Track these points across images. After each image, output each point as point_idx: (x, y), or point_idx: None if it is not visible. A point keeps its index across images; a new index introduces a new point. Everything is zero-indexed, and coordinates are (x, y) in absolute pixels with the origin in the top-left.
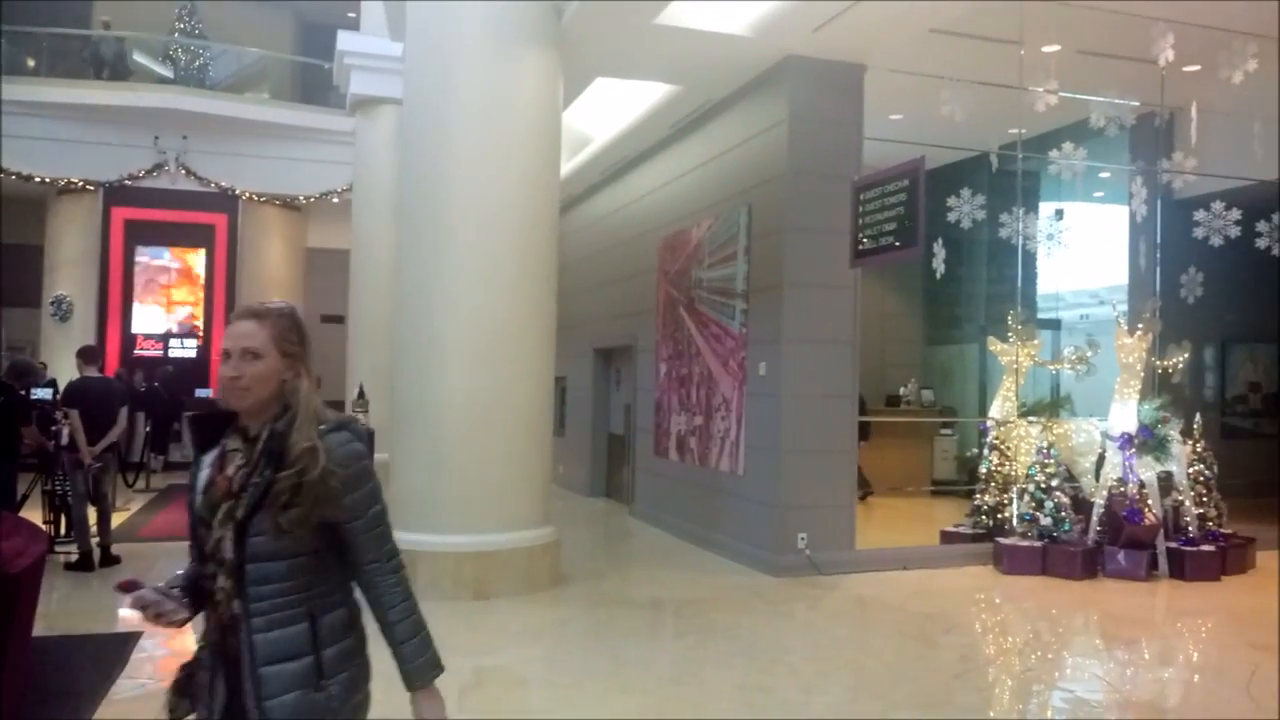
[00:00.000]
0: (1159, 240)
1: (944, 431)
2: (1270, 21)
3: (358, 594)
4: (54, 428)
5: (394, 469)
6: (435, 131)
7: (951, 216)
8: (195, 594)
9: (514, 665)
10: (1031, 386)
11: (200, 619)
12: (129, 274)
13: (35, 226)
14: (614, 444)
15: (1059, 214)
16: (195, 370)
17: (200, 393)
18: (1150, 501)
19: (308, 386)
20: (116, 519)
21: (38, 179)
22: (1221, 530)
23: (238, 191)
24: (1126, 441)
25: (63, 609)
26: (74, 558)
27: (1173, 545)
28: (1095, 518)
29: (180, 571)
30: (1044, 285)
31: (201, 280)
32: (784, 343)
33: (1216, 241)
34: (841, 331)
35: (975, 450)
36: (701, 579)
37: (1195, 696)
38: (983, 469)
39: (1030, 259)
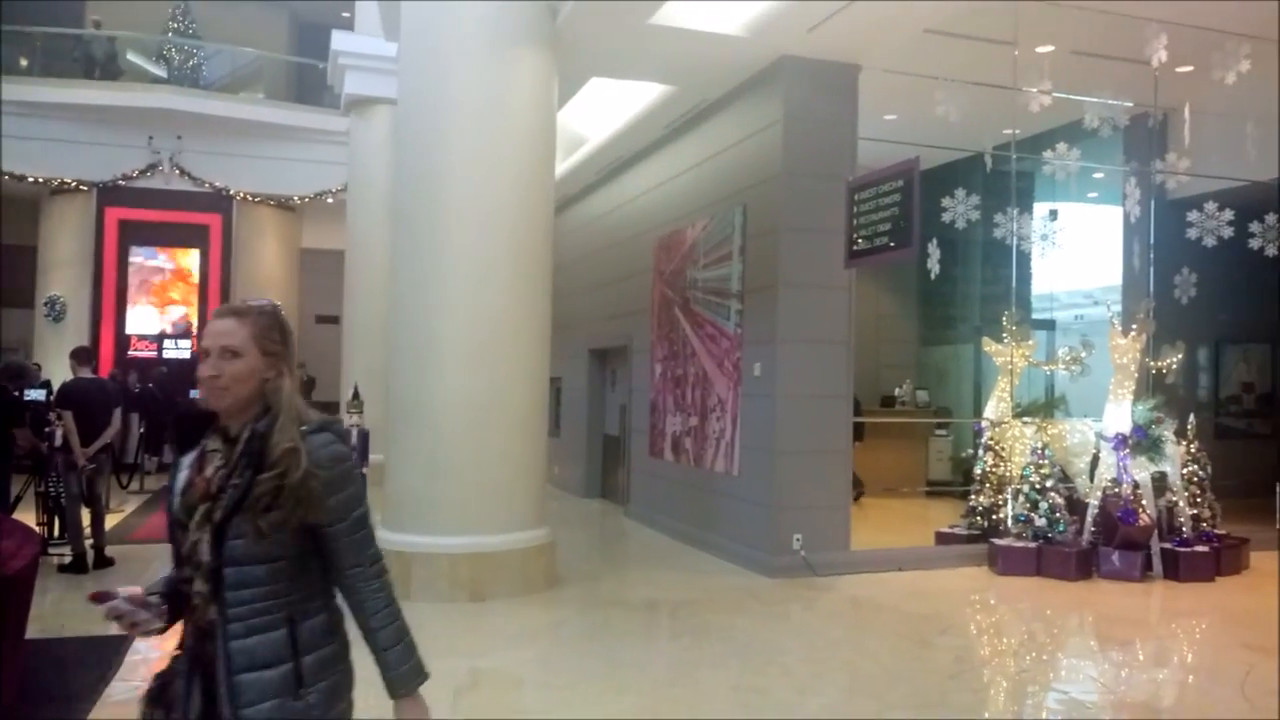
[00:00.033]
0: (1153, 241)
1: (939, 432)
2: (1263, 22)
3: (340, 599)
4: (47, 429)
5: (389, 470)
6: (430, 131)
7: (946, 217)
8: (175, 600)
9: (509, 667)
10: (1026, 387)
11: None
12: (123, 274)
13: (29, 227)
14: (609, 445)
15: (1053, 214)
16: (190, 371)
17: (195, 394)
18: (1145, 502)
19: (290, 386)
20: (110, 521)
21: (31, 179)
22: (1215, 531)
23: (232, 192)
24: (1121, 442)
25: (56, 611)
26: (68, 559)
27: (1167, 546)
28: (1090, 518)
29: (163, 576)
30: (1038, 286)
31: (196, 281)
32: (779, 343)
33: (1210, 242)
34: (836, 332)
35: (970, 451)
36: (697, 580)
37: (1190, 697)
38: (977, 470)
39: (1025, 259)
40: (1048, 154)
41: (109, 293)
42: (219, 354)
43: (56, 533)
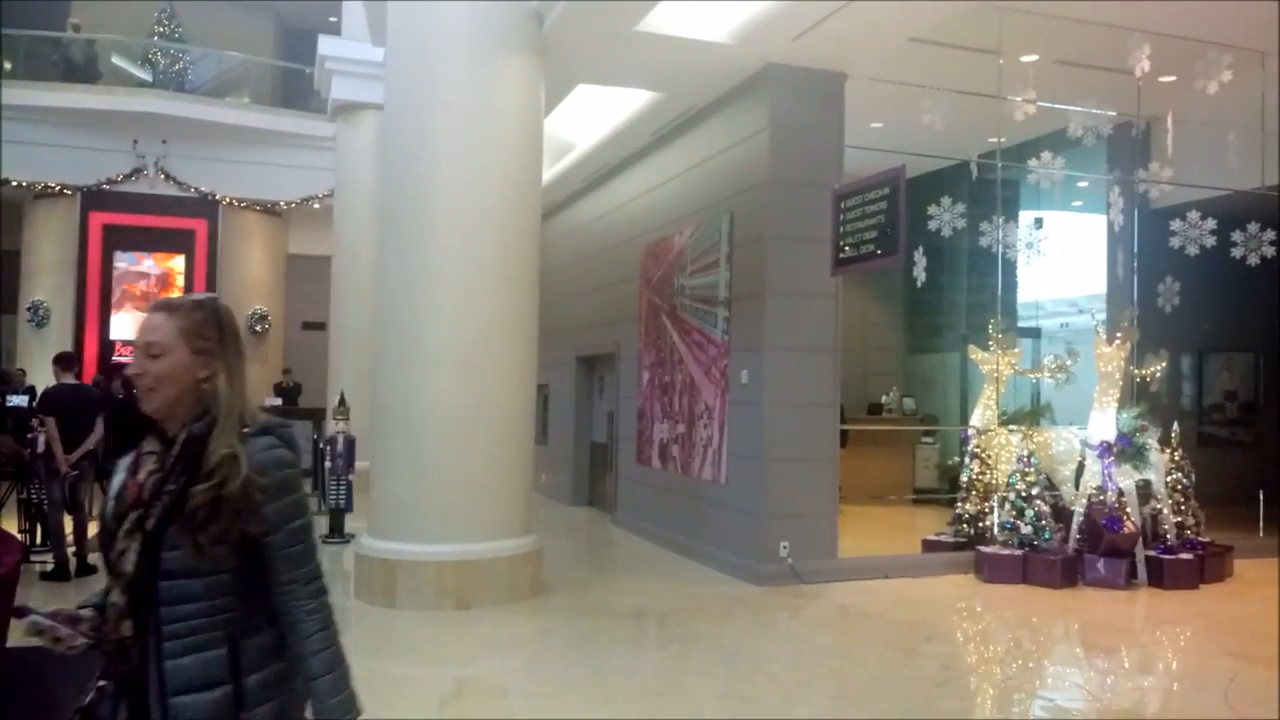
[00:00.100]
0: (1136, 249)
1: (925, 440)
2: (1244, 32)
3: None
4: (30, 435)
5: (375, 477)
6: (417, 137)
7: (932, 225)
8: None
9: (495, 675)
10: (1012, 395)
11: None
12: (107, 280)
13: (12, 231)
14: (596, 452)
15: (1038, 222)
16: None
17: None
18: (1129, 510)
19: (228, 386)
20: (93, 528)
21: (14, 183)
22: (1200, 538)
23: (218, 197)
24: (1105, 450)
25: None
26: (50, 567)
27: (1151, 553)
28: (1075, 526)
29: (102, 588)
30: (1024, 293)
31: (181, 286)
32: (766, 351)
33: (1193, 251)
34: (823, 340)
35: (956, 459)
36: (684, 588)
37: (1174, 704)
38: (964, 477)
39: (1010, 267)
40: (1032, 162)
41: (93, 298)
42: (144, 351)
43: (39, 540)
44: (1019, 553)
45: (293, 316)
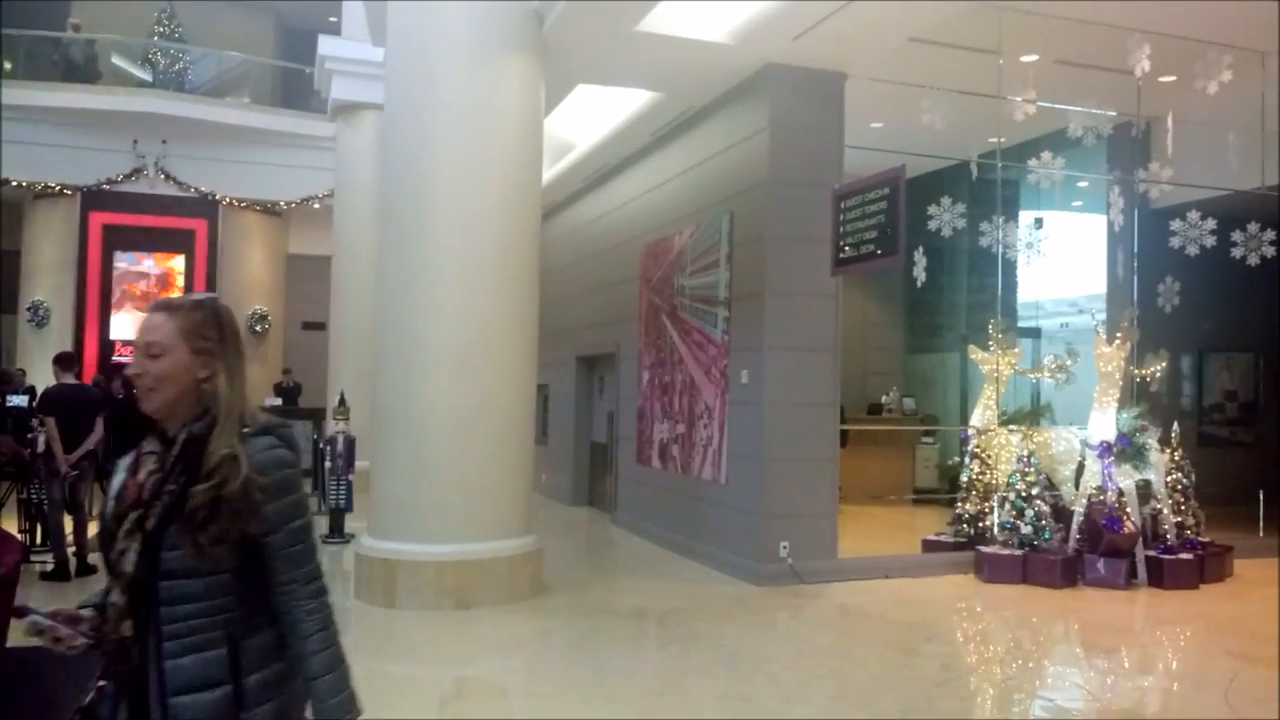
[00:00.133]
0: (1136, 249)
1: (925, 440)
2: (1245, 33)
3: None
4: (30, 435)
5: (375, 477)
6: (417, 137)
7: (932, 225)
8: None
9: (496, 675)
10: (1012, 395)
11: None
12: (107, 280)
13: (12, 231)
14: (596, 452)
15: (1038, 222)
16: None
17: None
18: (1129, 510)
19: (228, 386)
20: (93, 528)
21: (14, 183)
22: (1199, 538)
23: (218, 197)
24: (1105, 450)
25: None
26: (50, 567)
27: (1151, 553)
28: (1075, 526)
29: (102, 588)
30: (1024, 293)
31: (181, 286)
32: (766, 351)
33: (1193, 251)
34: (823, 339)
35: (956, 459)
36: (684, 588)
37: (1174, 704)
38: (964, 477)
39: (1010, 267)
40: (1032, 162)
41: (93, 298)
42: (144, 351)
43: (39, 540)
44: (1019, 553)
45: (293, 316)
